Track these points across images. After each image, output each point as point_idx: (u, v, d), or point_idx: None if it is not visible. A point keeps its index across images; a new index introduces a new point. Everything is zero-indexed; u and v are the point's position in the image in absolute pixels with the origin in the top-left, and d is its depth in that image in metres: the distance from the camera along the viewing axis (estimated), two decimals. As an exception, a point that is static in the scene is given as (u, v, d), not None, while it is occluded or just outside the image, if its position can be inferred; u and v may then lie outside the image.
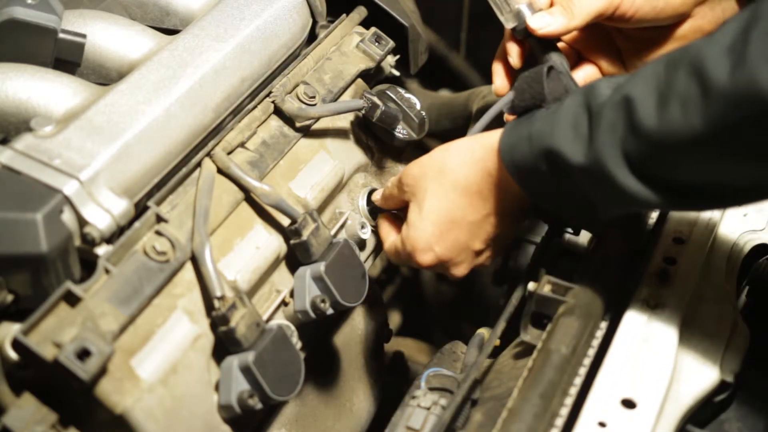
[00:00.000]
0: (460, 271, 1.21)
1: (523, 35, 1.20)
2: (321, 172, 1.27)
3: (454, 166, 1.15)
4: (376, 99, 1.29)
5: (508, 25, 1.21)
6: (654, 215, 1.27)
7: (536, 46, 1.21)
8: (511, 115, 1.15)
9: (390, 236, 1.27)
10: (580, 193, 1.04)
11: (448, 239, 1.17)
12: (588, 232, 1.27)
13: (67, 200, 1.01)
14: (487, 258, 1.22)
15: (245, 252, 1.15)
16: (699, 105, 0.90)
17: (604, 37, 1.25)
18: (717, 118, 0.89)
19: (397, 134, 1.33)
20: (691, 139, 0.91)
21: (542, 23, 1.18)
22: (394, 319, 1.97)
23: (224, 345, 1.07)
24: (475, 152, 1.14)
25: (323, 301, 1.15)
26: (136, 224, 1.07)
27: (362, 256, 1.29)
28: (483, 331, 1.26)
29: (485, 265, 1.23)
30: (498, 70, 1.25)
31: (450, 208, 1.15)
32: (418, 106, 1.36)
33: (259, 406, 1.06)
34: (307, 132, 1.28)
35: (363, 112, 1.30)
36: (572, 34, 1.23)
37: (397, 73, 1.49)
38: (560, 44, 1.22)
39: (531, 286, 1.17)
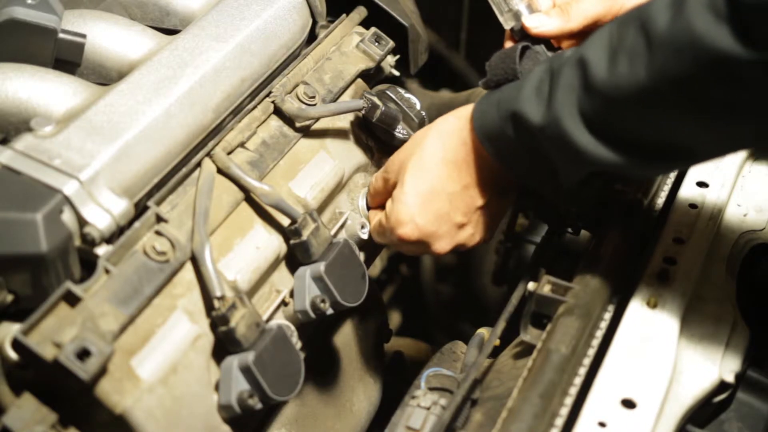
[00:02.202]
0: (441, 246, 1.20)
1: (521, 36, 1.20)
2: (321, 172, 1.27)
3: (433, 140, 1.18)
4: (376, 99, 1.29)
5: (507, 25, 1.23)
6: (654, 215, 1.27)
7: None
8: (485, 89, 1.17)
9: (375, 217, 1.28)
10: (541, 156, 1.06)
11: (429, 210, 1.17)
12: (557, 203, 1.27)
13: (67, 200, 1.01)
14: (470, 236, 1.21)
15: (245, 252, 1.15)
16: (643, 57, 0.92)
17: None
18: (659, 70, 0.91)
19: (397, 134, 1.33)
20: (637, 93, 0.94)
21: (537, 23, 1.19)
22: (394, 319, 1.97)
23: (224, 345, 1.07)
24: (451, 123, 1.17)
25: (323, 301, 1.15)
26: (136, 224, 1.07)
27: (362, 256, 1.29)
28: (483, 331, 1.26)
29: (468, 246, 1.22)
30: None
31: (429, 179, 1.17)
32: (418, 106, 1.36)
33: (259, 406, 1.06)
34: (307, 132, 1.28)
35: (363, 112, 1.30)
36: (570, 41, 1.24)
37: (397, 73, 1.49)
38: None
39: (531, 286, 1.17)
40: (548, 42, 1.21)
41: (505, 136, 1.09)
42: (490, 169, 1.16)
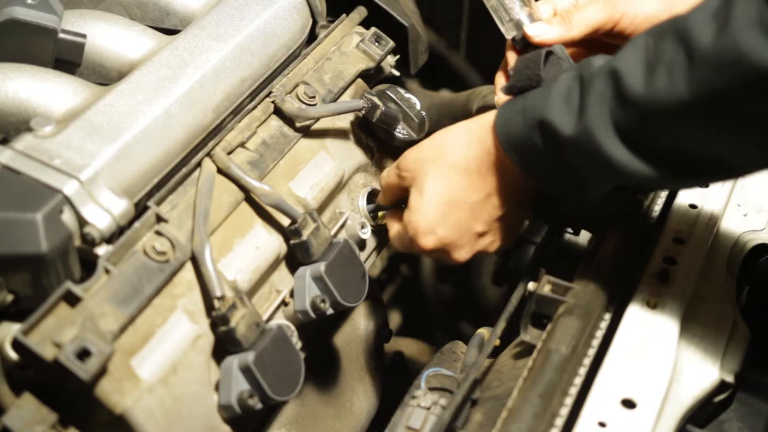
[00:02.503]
0: (462, 254, 1.19)
1: (523, 45, 1.20)
2: (321, 172, 1.27)
3: (454, 147, 1.15)
4: (376, 99, 1.29)
5: (509, 35, 1.21)
6: (654, 215, 1.27)
7: None
8: (507, 95, 1.15)
9: (394, 224, 1.26)
10: (570, 166, 1.05)
11: (450, 220, 1.16)
12: (581, 214, 1.26)
13: (67, 200, 1.01)
14: (490, 243, 1.20)
15: (245, 252, 1.15)
16: (684, 71, 0.91)
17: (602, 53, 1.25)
18: (701, 84, 0.90)
19: (397, 134, 1.33)
20: (676, 107, 0.92)
21: (539, 31, 1.18)
22: (394, 319, 1.97)
23: (224, 345, 1.07)
24: (473, 132, 1.15)
25: (323, 301, 1.15)
26: (136, 224, 1.07)
27: (362, 256, 1.29)
28: (483, 331, 1.26)
29: (488, 252, 1.22)
30: (500, 82, 1.25)
31: (451, 189, 1.15)
32: (418, 106, 1.36)
33: (259, 406, 1.06)
34: (307, 132, 1.28)
35: (363, 112, 1.30)
36: (571, 49, 1.23)
37: (397, 73, 1.49)
38: None
39: (531, 286, 1.17)
40: None
41: (531, 145, 1.07)
42: (514, 178, 1.14)
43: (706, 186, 1.27)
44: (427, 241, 1.17)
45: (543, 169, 1.09)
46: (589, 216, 1.26)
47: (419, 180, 1.18)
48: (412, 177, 1.19)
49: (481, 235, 1.19)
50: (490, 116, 1.14)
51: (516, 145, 1.09)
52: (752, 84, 0.86)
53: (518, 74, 1.13)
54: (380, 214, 1.32)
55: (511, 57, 1.22)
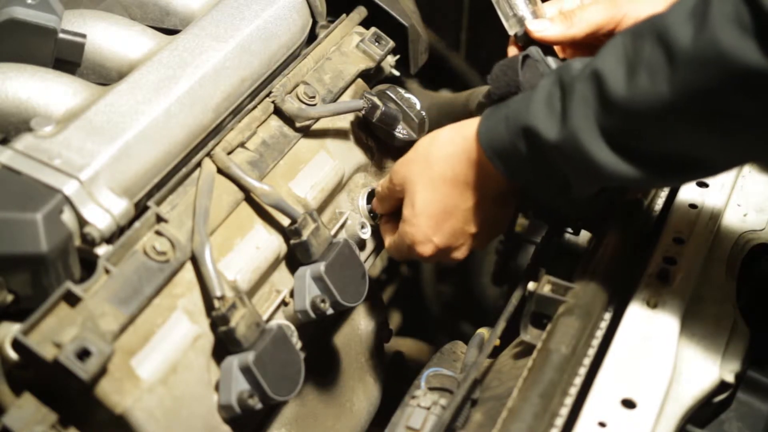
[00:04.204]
0: (460, 254, 1.23)
1: (525, 41, 1.20)
2: (321, 172, 1.27)
3: (439, 159, 1.17)
4: (376, 99, 1.29)
5: (511, 30, 1.23)
6: (654, 215, 1.27)
7: None
8: (489, 103, 1.16)
9: (389, 235, 1.29)
10: (555, 170, 1.05)
11: (444, 229, 1.19)
12: (566, 213, 1.28)
13: (67, 200, 1.01)
14: (483, 240, 1.23)
15: (245, 252, 1.15)
16: (665, 72, 0.91)
17: None
18: (683, 84, 0.90)
19: (397, 134, 1.33)
20: (659, 108, 0.92)
21: (541, 27, 1.19)
22: (394, 319, 1.97)
23: (224, 345, 1.07)
24: (457, 144, 1.16)
25: (323, 301, 1.15)
26: (136, 224, 1.07)
27: (362, 256, 1.29)
28: (483, 331, 1.26)
29: (482, 247, 1.25)
30: None
31: (441, 200, 1.17)
32: (418, 106, 1.36)
33: (259, 406, 1.06)
34: (307, 132, 1.28)
35: (363, 112, 1.30)
36: (573, 49, 1.23)
37: (397, 73, 1.49)
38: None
39: (531, 286, 1.17)
40: (553, 53, 1.20)
41: (515, 152, 1.07)
42: (500, 184, 1.15)
43: (706, 186, 1.27)
44: (425, 250, 1.21)
45: (528, 174, 1.09)
46: (574, 216, 1.28)
47: (410, 192, 1.20)
48: (403, 189, 1.21)
49: (475, 235, 1.21)
50: (472, 126, 1.14)
51: (500, 153, 1.10)
52: (732, 82, 0.87)
53: (497, 81, 1.15)
54: (378, 219, 1.32)
55: (513, 53, 1.23)
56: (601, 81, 0.96)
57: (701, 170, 1.02)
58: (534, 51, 1.17)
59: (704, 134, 0.93)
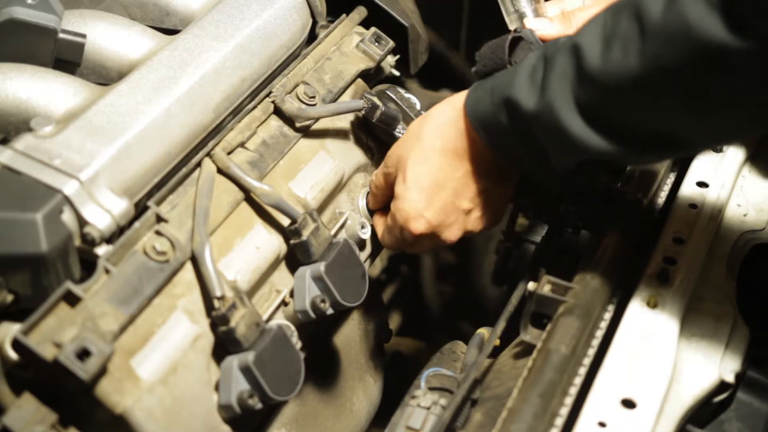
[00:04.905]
0: (452, 233, 1.21)
1: None
2: (321, 172, 1.27)
3: (430, 130, 1.18)
4: (376, 99, 1.29)
5: (512, 25, 1.24)
6: (654, 215, 1.27)
7: None
8: (477, 78, 1.18)
9: (381, 221, 1.29)
10: (534, 142, 1.06)
11: (435, 202, 1.18)
12: (548, 189, 1.27)
13: (67, 200, 1.01)
14: (477, 219, 1.22)
15: (245, 252, 1.15)
16: (636, 45, 0.92)
17: None
18: (652, 58, 0.91)
19: (397, 134, 1.33)
20: (630, 81, 0.94)
21: (539, 26, 1.21)
22: (394, 319, 1.97)
23: (224, 345, 1.07)
24: (447, 113, 1.17)
25: (323, 301, 1.15)
26: (136, 224, 1.07)
27: (362, 256, 1.29)
28: (483, 331, 1.26)
29: (476, 231, 1.23)
30: None
31: (432, 171, 1.18)
32: (418, 106, 1.36)
33: (259, 406, 1.06)
34: (307, 132, 1.28)
35: (363, 112, 1.30)
36: None
37: (397, 73, 1.49)
38: None
39: (531, 286, 1.17)
40: None
41: (498, 123, 1.09)
42: (487, 155, 1.16)
43: (706, 186, 1.27)
44: (418, 226, 1.19)
45: (509, 146, 1.11)
46: (555, 190, 1.27)
47: (401, 169, 1.20)
48: (396, 169, 1.22)
49: (468, 212, 1.21)
50: (461, 96, 1.16)
51: (484, 123, 1.12)
52: (699, 57, 0.88)
53: (484, 58, 1.18)
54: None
55: None
56: (580, 54, 0.98)
57: (674, 147, 1.03)
58: (528, 33, 1.19)
59: (673, 110, 0.94)
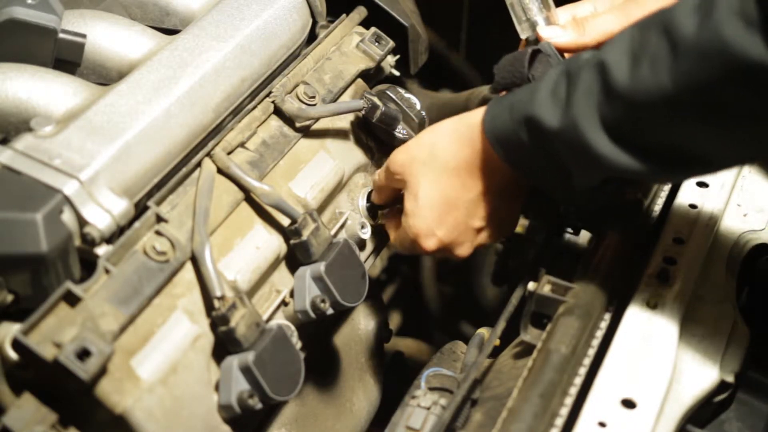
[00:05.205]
0: (463, 251, 1.21)
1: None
2: (321, 172, 1.27)
3: (443, 148, 1.16)
4: (376, 99, 1.29)
5: (523, 34, 1.23)
6: (654, 215, 1.27)
7: None
8: (494, 93, 1.17)
9: (393, 229, 1.28)
10: (556, 160, 1.05)
11: (447, 221, 1.17)
12: (565, 204, 1.27)
13: (67, 200, 1.01)
14: (488, 236, 1.21)
15: (245, 252, 1.15)
16: (667, 62, 0.91)
17: None
18: (685, 76, 0.89)
19: (397, 134, 1.33)
20: (660, 99, 0.92)
21: (552, 34, 1.19)
22: (394, 319, 1.97)
23: (224, 345, 1.07)
24: (461, 132, 1.15)
25: (323, 301, 1.15)
26: (136, 224, 1.06)
27: (362, 256, 1.29)
28: (483, 331, 1.26)
29: (487, 244, 1.23)
30: None
31: (444, 191, 1.16)
32: (418, 106, 1.36)
33: (259, 406, 1.06)
34: (307, 132, 1.28)
35: (363, 112, 1.30)
36: None
37: (397, 73, 1.49)
38: None
39: (531, 286, 1.17)
40: (562, 55, 1.20)
41: (518, 141, 1.07)
42: (504, 174, 1.14)
43: (706, 186, 1.27)
44: (429, 244, 1.19)
45: (530, 164, 1.09)
46: (577, 207, 1.26)
47: (412, 184, 1.18)
48: (404, 180, 1.20)
49: (480, 230, 1.20)
50: (476, 115, 1.14)
51: (503, 140, 1.09)
52: (734, 75, 0.86)
53: (502, 72, 1.15)
54: (380, 213, 1.32)
55: None
56: (606, 71, 0.96)
57: (701, 166, 1.01)
58: (546, 46, 1.17)
59: (703, 128, 0.93)
